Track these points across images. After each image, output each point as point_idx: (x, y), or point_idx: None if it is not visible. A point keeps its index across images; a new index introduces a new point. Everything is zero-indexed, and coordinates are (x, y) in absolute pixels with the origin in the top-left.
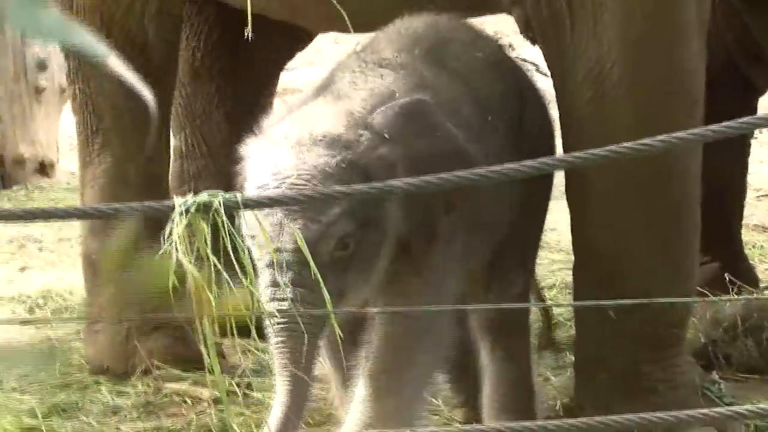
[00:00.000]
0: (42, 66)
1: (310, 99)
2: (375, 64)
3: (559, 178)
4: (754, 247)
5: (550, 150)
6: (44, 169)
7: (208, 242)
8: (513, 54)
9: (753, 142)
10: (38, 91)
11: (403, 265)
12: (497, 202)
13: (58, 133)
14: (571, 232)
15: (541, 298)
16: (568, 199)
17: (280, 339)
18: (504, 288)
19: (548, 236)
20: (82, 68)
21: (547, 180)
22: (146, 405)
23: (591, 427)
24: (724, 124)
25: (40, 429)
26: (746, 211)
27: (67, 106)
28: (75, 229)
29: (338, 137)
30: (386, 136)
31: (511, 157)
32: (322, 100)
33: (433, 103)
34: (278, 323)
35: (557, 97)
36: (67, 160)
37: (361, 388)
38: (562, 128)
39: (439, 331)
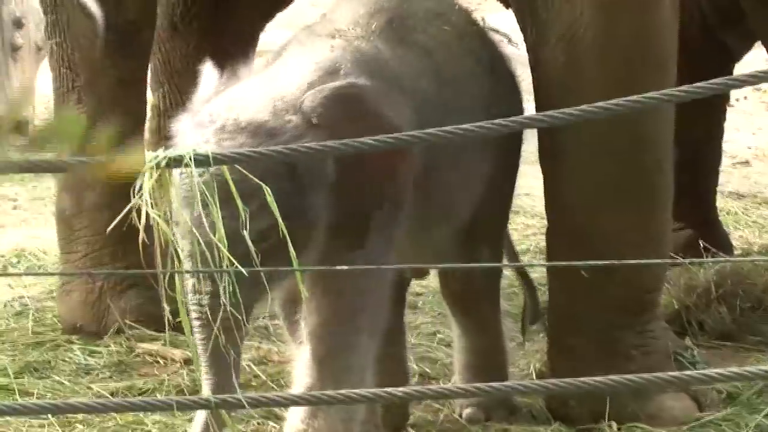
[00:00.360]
0: (18, 23)
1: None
2: (327, 35)
3: (533, 144)
4: (728, 213)
5: None
6: (20, 127)
7: (178, 197)
8: (483, 25)
9: (729, 109)
10: (14, 48)
11: (334, 251)
12: (460, 175)
13: (34, 92)
14: (545, 196)
15: (526, 276)
16: (541, 164)
17: (200, 334)
18: (472, 258)
19: (522, 201)
20: (60, 23)
21: (514, 151)
22: (118, 365)
23: (563, 388)
24: (694, 84)
25: (12, 388)
26: (722, 178)
27: (43, 65)
28: (49, 188)
29: (263, 125)
30: (314, 121)
31: None
32: (255, 80)
33: (371, 87)
34: (197, 318)
35: (530, 61)
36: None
37: (303, 370)
38: (535, 93)
39: (375, 307)
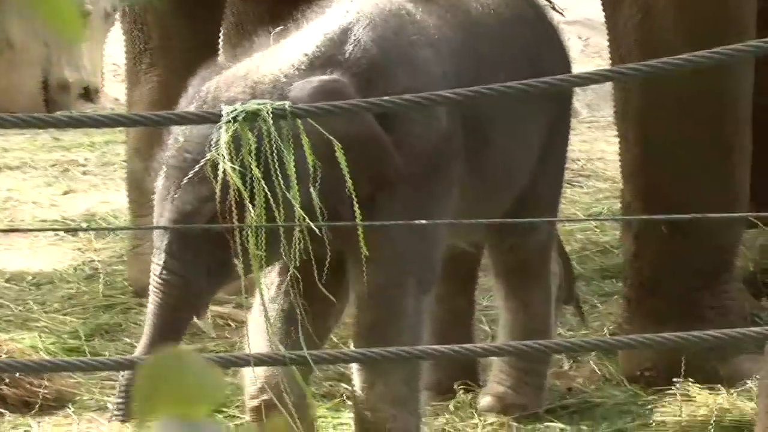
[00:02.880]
0: None
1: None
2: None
3: (605, 109)
4: None
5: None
6: (89, 94)
7: (253, 151)
8: None
9: None
10: (83, 15)
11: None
12: (516, 140)
13: (102, 59)
14: (621, 158)
15: (563, 254)
16: (618, 127)
17: (153, 298)
18: (526, 234)
19: (594, 165)
20: None
21: (565, 116)
22: (189, 327)
23: (640, 344)
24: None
25: (83, 350)
26: None
27: (112, 32)
28: (118, 154)
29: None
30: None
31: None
32: (249, 60)
33: (352, 85)
34: (154, 284)
35: (607, 23)
36: (112, 87)
37: (356, 340)
38: (612, 56)
39: (422, 267)
